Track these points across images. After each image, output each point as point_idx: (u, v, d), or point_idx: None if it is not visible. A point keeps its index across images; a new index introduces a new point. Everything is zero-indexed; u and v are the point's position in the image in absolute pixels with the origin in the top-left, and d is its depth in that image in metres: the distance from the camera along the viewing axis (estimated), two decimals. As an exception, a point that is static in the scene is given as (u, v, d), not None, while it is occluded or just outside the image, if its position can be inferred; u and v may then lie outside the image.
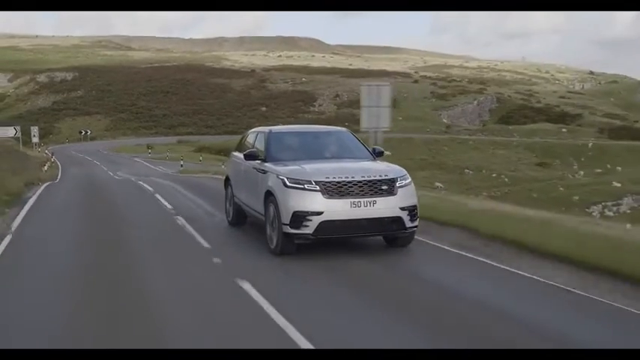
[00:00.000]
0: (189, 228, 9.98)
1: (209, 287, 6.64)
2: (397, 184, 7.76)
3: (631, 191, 33.41)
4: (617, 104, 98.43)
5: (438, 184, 35.71)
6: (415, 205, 7.94)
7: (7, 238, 8.92)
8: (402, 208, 7.70)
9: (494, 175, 41.13)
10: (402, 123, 70.42)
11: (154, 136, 69.86)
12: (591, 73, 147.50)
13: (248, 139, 10.04)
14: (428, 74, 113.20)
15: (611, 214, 30.32)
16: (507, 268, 7.25)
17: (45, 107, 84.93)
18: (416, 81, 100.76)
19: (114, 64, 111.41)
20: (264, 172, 8.34)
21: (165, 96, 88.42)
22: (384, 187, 7.64)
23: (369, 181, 7.59)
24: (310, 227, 7.41)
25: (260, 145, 9.11)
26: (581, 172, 42.81)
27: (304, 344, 4.71)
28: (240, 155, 9.57)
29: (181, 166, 33.70)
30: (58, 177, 28.72)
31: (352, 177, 7.56)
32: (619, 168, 42.20)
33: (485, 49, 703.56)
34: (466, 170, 42.93)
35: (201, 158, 41.54)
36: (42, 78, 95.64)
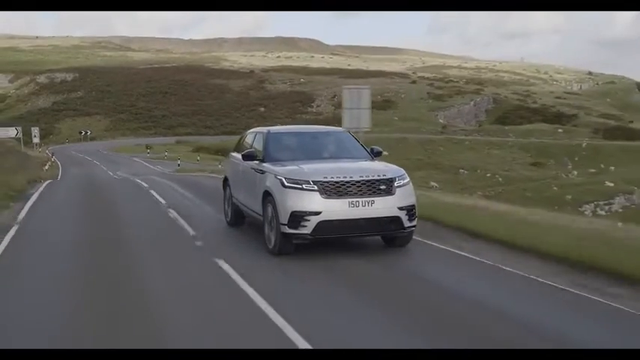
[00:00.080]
0: (180, 220, 10.77)
1: (195, 273, 6.97)
2: (395, 184, 7.72)
3: (623, 191, 33.69)
4: (613, 105, 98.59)
5: (433, 183, 36.00)
6: (413, 205, 7.90)
7: (15, 228, 10.03)
8: (401, 208, 7.66)
9: (488, 174, 41.33)
10: (399, 123, 70.79)
11: (153, 137, 69.97)
12: (589, 73, 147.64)
13: (246, 140, 9.99)
14: (426, 75, 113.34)
15: (603, 213, 30.60)
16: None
17: (45, 108, 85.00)
18: (413, 81, 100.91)
19: (114, 64, 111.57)
20: (263, 172, 8.31)
21: (165, 97, 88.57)
22: (382, 186, 7.60)
23: (367, 181, 7.55)
24: (308, 227, 7.38)
25: (258, 146, 9.07)
26: (575, 172, 43.06)
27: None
28: (239, 156, 9.53)
29: (178, 165, 34.27)
30: (59, 176, 29.33)
31: (350, 177, 7.52)
32: (612, 168, 42.45)
33: (485, 50, 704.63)
34: (461, 170, 43.12)
35: (198, 158, 41.89)
36: (42, 79, 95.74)
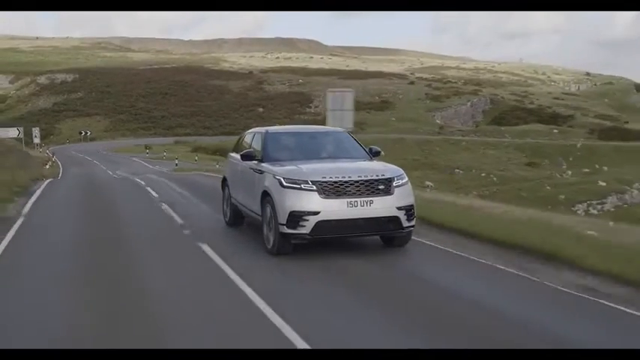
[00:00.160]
0: (170, 211, 11.91)
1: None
2: (394, 184, 7.66)
3: (616, 190, 33.93)
4: (611, 105, 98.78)
5: (428, 183, 36.28)
6: (412, 205, 7.82)
7: (20, 220, 10.99)
8: (399, 208, 7.61)
9: (483, 174, 41.55)
10: (396, 124, 71.04)
11: (153, 137, 69.95)
12: (587, 74, 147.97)
13: (245, 140, 9.94)
14: (424, 76, 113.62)
15: (595, 212, 30.84)
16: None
17: (46, 108, 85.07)
18: (411, 82, 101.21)
19: (113, 65, 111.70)
20: (261, 172, 8.26)
21: (164, 97, 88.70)
22: (380, 186, 7.55)
23: (366, 181, 7.50)
24: (307, 227, 7.32)
25: (257, 146, 9.02)
26: (569, 172, 43.29)
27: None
28: (237, 156, 9.49)
29: (176, 165, 34.53)
30: (60, 175, 29.81)
31: (349, 177, 7.47)
32: (605, 168, 42.74)
33: (486, 50, 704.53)
34: (457, 170, 43.35)
35: (196, 158, 42.13)
36: (42, 80, 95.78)
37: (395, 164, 8.48)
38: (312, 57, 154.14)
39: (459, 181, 39.26)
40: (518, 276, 6.81)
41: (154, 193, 15.57)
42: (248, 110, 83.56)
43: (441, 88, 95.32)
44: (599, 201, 32.57)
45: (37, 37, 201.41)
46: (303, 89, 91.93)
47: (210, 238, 8.95)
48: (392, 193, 7.59)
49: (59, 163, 39.79)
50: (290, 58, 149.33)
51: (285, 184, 7.53)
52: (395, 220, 7.60)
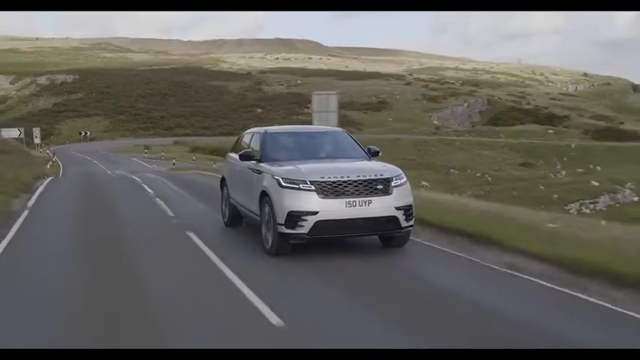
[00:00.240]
0: (163, 205, 12.96)
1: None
2: (392, 184, 7.62)
3: (608, 190, 34.14)
4: (609, 106, 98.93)
5: (424, 182, 36.60)
6: (411, 205, 7.77)
7: (25, 212, 12.04)
8: (398, 208, 7.57)
9: (478, 174, 41.78)
10: (393, 124, 71.29)
11: (152, 137, 69.98)
12: (585, 75, 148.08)
13: (244, 140, 9.87)
14: (422, 76, 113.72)
15: (587, 211, 31.07)
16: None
17: (46, 109, 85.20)
18: (409, 83, 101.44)
19: (113, 66, 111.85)
20: (260, 172, 8.22)
21: (163, 98, 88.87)
22: (379, 186, 7.51)
23: (365, 181, 7.46)
24: (305, 227, 7.28)
25: (255, 146, 8.97)
26: (564, 172, 43.58)
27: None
28: (236, 156, 9.36)
29: (173, 164, 35.01)
30: (60, 173, 30.58)
31: (347, 177, 7.43)
32: (599, 168, 43.06)
33: (485, 51, 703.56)
34: (452, 170, 43.62)
35: (194, 158, 42.46)
36: (43, 80, 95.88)
37: (391, 164, 8.44)
38: (310, 58, 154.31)
39: (454, 181, 39.51)
40: (459, 256, 7.76)
41: (149, 190, 16.46)
42: (246, 111, 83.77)
43: (438, 89, 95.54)
44: (591, 200, 32.77)
45: (37, 38, 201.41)
46: (302, 90, 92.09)
47: (195, 226, 9.96)
48: (390, 193, 7.55)
49: (59, 162, 40.15)
50: (289, 58, 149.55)
51: (283, 184, 7.49)
52: (393, 220, 7.57)
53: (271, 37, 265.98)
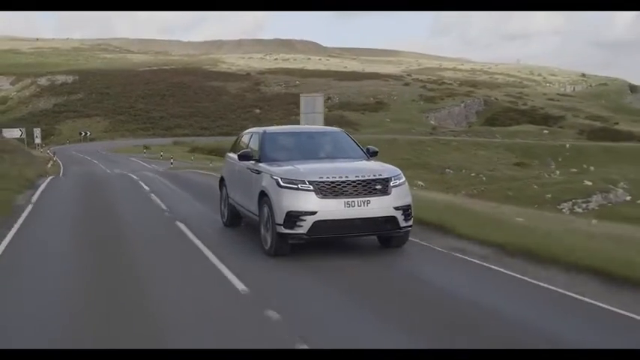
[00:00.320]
0: (157, 200, 13.83)
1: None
2: (391, 184, 7.57)
3: (601, 189, 34.27)
4: (606, 106, 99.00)
5: (419, 182, 36.92)
6: (409, 205, 7.73)
7: (30, 207, 12.93)
8: (396, 208, 7.53)
9: (473, 174, 41.97)
10: (390, 125, 71.44)
11: (151, 138, 70.22)
12: (583, 75, 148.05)
13: (243, 140, 9.82)
14: (420, 77, 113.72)
15: (580, 210, 31.26)
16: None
17: (46, 109, 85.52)
18: (407, 84, 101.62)
19: (113, 67, 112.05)
20: (258, 172, 8.18)
21: (163, 99, 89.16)
22: (378, 186, 7.47)
23: (363, 181, 7.42)
24: (304, 227, 7.24)
25: (254, 146, 8.92)
26: (558, 172, 43.83)
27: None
28: (235, 156, 9.29)
29: (171, 164, 35.52)
30: (61, 172, 31.32)
31: (346, 177, 7.39)
32: (592, 168, 43.37)
33: (486, 51, 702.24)
34: (447, 170, 43.92)
35: (192, 158, 42.92)
36: (43, 81, 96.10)
37: (389, 164, 8.43)
38: (309, 58, 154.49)
39: (450, 181, 39.77)
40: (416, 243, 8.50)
41: (145, 187, 17.30)
42: (245, 111, 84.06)
43: (435, 90, 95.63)
44: (584, 200, 32.89)
45: (37, 39, 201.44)
46: (300, 91, 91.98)
47: (184, 218, 10.85)
48: (389, 193, 7.52)
49: (60, 162, 40.57)
50: (288, 59, 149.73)
51: (282, 184, 7.46)
52: (392, 220, 7.53)
53: (270, 38, 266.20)
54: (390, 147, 46.56)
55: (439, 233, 8.94)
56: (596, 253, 6.99)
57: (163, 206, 12.77)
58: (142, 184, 18.21)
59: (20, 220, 10.89)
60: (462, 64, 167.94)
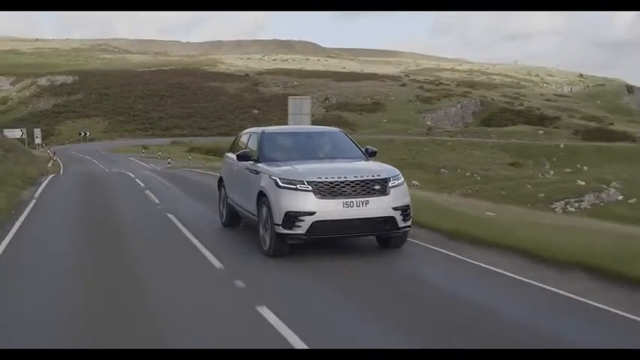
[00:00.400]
0: (152, 195, 14.81)
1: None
2: (390, 184, 7.54)
3: (594, 189, 34.49)
4: (603, 107, 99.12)
5: (414, 182, 37.23)
6: (408, 205, 7.69)
7: (33, 202, 13.87)
8: (395, 208, 7.50)
9: (467, 174, 42.14)
10: (386, 125, 71.66)
11: (150, 138, 70.38)
12: (580, 76, 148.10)
13: (241, 140, 9.75)
14: (418, 77, 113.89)
15: (572, 209, 31.50)
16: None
17: (46, 110, 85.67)
18: (404, 84, 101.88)
19: (112, 67, 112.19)
20: (257, 172, 8.13)
21: (162, 99, 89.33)
22: (376, 187, 7.43)
23: (362, 181, 7.39)
24: (303, 227, 7.22)
25: (253, 146, 8.87)
26: (552, 172, 44.11)
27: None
28: (234, 156, 9.25)
29: (169, 163, 35.88)
30: (61, 171, 31.94)
31: (345, 177, 7.36)
32: (585, 167, 43.67)
33: (486, 52, 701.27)
34: (442, 170, 44.19)
35: (190, 157, 43.25)
36: (43, 82, 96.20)
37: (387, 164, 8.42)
38: (308, 59, 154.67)
39: (444, 181, 40.02)
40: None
41: (141, 184, 18.16)
42: (243, 112, 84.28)
43: (432, 90, 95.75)
44: (576, 199, 33.13)
45: (37, 39, 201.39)
46: (298, 91, 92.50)
47: (175, 210, 11.81)
48: (388, 194, 7.49)
49: (60, 161, 41.04)
50: (287, 60, 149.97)
51: (281, 184, 7.43)
52: (391, 220, 7.51)
53: (270, 39, 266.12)
54: (387, 147, 46.85)
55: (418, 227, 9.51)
56: (530, 238, 7.93)
57: (156, 200, 13.90)
58: (139, 181, 19.11)
59: (26, 211, 12.17)
60: (460, 65, 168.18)
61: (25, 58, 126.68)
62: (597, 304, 5.69)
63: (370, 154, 8.79)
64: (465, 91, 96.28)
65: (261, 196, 7.80)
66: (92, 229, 10.33)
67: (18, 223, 10.55)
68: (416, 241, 8.46)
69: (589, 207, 32.74)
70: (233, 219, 9.74)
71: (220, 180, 10.41)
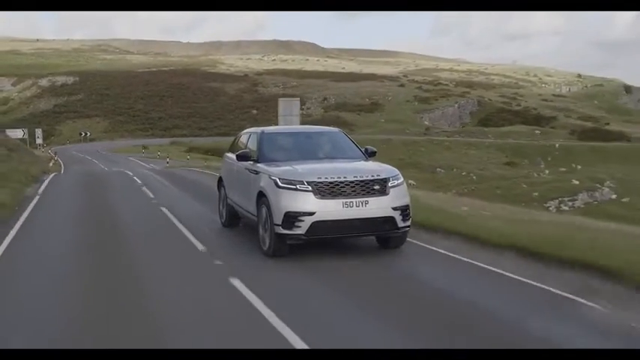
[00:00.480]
0: (147, 192, 15.72)
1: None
2: (389, 184, 7.52)
3: (587, 188, 34.73)
4: (601, 107, 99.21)
5: (410, 181, 37.53)
6: (407, 205, 7.67)
7: (37, 197, 14.88)
8: (395, 208, 7.48)
9: (463, 173, 42.27)
10: (384, 125, 71.84)
11: (150, 138, 70.37)
12: (579, 76, 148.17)
13: (241, 140, 9.71)
14: (416, 78, 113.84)
15: (566, 208, 31.73)
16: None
17: (47, 110, 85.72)
18: (402, 85, 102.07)
19: (113, 68, 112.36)
20: (257, 172, 8.10)
21: (162, 100, 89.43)
22: (376, 187, 7.40)
23: (361, 181, 7.36)
24: (302, 228, 7.19)
25: (253, 146, 8.83)
26: (547, 171, 44.33)
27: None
28: (233, 156, 9.22)
29: (167, 163, 36.22)
30: (62, 170, 32.78)
31: (344, 177, 7.33)
32: (580, 167, 43.93)
33: (486, 52, 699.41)
34: (438, 169, 44.40)
35: (188, 157, 43.51)
36: (44, 82, 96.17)
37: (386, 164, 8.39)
38: (307, 59, 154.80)
39: (441, 180, 40.22)
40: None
41: (138, 181, 19.09)
42: (243, 112, 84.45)
43: (431, 90, 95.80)
44: (570, 198, 33.36)
45: (38, 39, 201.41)
46: (296, 91, 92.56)
47: (168, 204, 12.83)
48: (387, 194, 7.46)
49: (61, 161, 41.51)
50: (286, 60, 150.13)
51: (280, 184, 7.40)
52: (390, 220, 7.49)
53: (269, 39, 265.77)
54: (385, 147, 47.10)
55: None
56: (477, 225, 8.92)
57: (151, 195, 14.97)
58: (137, 179, 20.03)
59: (32, 205, 13.29)
60: (459, 65, 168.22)
61: (25, 58, 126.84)
62: (512, 275, 6.81)
63: (370, 154, 8.78)
64: (463, 92, 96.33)
65: (261, 196, 7.78)
66: (92, 220, 11.61)
67: (27, 212, 12.18)
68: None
69: (582, 206, 32.95)
70: (233, 219, 9.70)
71: (220, 180, 10.38)
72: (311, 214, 7.18)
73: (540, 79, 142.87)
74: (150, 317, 5.49)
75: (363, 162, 8.40)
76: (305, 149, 8.73)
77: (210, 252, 8.07)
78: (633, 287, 6.00)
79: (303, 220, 7.18)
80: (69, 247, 8.77)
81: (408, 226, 7.80)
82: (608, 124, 79.49)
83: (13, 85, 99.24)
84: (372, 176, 7.50)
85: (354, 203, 7.26)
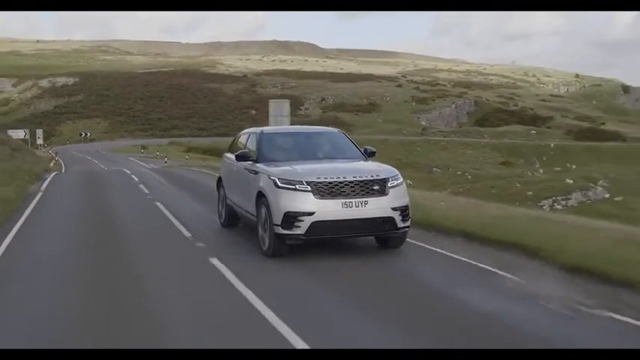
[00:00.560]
0: (144, 189, 16.59)
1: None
2: (389, 184, 7.49)
3: (581, 187, 35.00)
4: (598, 107, 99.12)
5: (407, 181, 37.65)
6: (407, 205, 7.64)
7: (40, 194, 15.81)
8: (394, 209, 7.45)
9: (459, 173, 42.60)
10: (382, 125, 72.00)
11: (150, 138, 70.14)
12: (577, 76, 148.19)
13: (240, 140, 9.66)
14: (414, 78, 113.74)
15: (560, 207, 31.96)
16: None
17: (47, 111, 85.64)
18: (400, 85, 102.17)
19: (113, 69, 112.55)
20: (256, 172, 8.06)
21: (161, 100, 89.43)
22: (375, 187, 7.38)
23: (361, 182, 7.34)
24: (302, 228, 7.17)
25: (252, 146, 8.80)
26: (541, 171, 44.65)
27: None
28: (233, 156, 9.18)
29: (165, 162, 36.58)
30: (63, 170, 33.49)
31: (344, 177, 7.30)
32: (574, 166, 44.22)
33: (486, 52, 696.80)
34: (434, 169, 44.69)
35: (187, 157, 43.84)
36: (44, 83, 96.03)
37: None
38: (307, 60, 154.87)
39: (437, 179, 40.49)
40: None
41: (135, 179, 19.97)
42: (242, 112, 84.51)
43: (428, 91, 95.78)
44: (564, 197, 33.60)
45: (38, 40, 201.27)
46: (295, 92, 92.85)
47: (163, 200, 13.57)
48: (387, 194, 7.43)
49: (61, 161, 41.97)
50: (285, 61, 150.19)
51: (279, 184, 7.37)
52: (390, 220, 7.46)
53: (269, 40, 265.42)
54: (382, 147, 47.26)
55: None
56: (439, 216, 9.77)
57: (146, 191, 16.00)
58: (134, 176, 21.04)
59: (35, 200, 14.17)
60: (458, 65, 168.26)
61: (26, 59, 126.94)
62: (453, 255, 7.74)
63: (369, 155, 8.74)
64: (461, 92, 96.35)
65: (260, 196, 7.74)
66: (92, 214, 12.62)
67: (31, 207, 13.08)
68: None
69: (576, 205, 33.15)
70: (232, 219, 9.65)
71: (219, 180, 10.32)
72: (310, 214, 7.15)
73: (539, 79, 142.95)
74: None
75: (362, 162, 8.39)
76: (304, 149, 8.70)
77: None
78: (545, 262, 7.08)
79: (302, 220, 7.16)
80: (70, 238, 9.79)
81: (408, 227, 7.77)
82: (604, 124, 79.65)
83: (14, 86, 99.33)
84: (372, 176, 7.48)
85: (354, 203, 7.24)
